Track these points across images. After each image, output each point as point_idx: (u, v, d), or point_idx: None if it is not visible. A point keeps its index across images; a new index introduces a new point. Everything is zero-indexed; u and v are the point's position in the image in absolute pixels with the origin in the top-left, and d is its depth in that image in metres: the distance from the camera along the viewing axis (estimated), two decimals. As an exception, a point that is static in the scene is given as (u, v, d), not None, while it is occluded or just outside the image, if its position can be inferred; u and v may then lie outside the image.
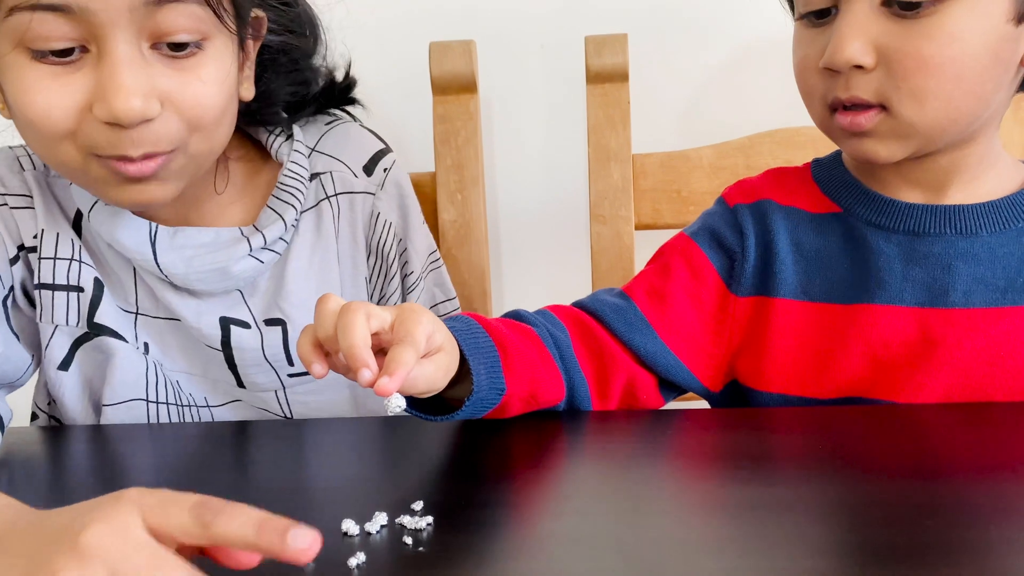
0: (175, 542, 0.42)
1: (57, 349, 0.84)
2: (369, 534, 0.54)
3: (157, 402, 0.84)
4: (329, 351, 0.60)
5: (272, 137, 0.87)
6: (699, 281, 0.81)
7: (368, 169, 0.90)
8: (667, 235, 0.87)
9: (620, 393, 0.79)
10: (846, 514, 0.55)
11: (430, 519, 0.55)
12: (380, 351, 0.59)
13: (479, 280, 1.09)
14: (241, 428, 0.78)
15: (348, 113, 0.95)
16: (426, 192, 1.08)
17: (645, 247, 1.01)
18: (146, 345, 0.85)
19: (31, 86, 0.68)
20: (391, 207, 0.90)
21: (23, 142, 0.76)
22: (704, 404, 0.86)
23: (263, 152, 0.89)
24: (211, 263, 0.81)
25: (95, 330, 0.83)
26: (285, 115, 0.88)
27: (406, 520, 0.55)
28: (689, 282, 0.81)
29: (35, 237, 0.82)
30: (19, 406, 0.83)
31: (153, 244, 0.80)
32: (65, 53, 0.68)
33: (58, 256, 0.82)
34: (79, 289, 0.82)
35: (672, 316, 0.80)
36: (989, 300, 0.74)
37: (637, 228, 1.09)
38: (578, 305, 0.82)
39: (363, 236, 0.89)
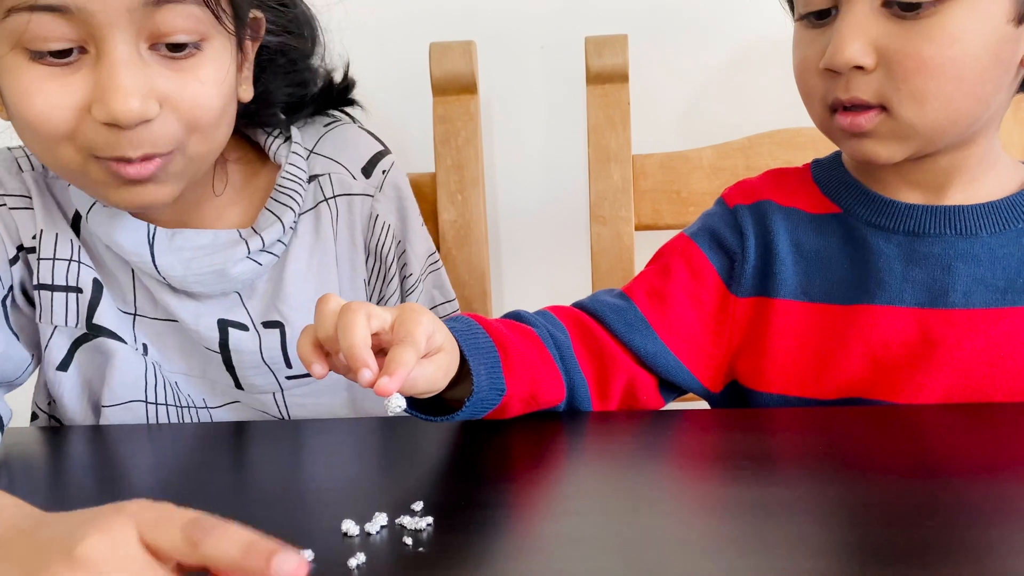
0: (172, 558, 0.42)
1: (56, 350, 0.84)
2: (369, 534, 0.54)
3: (156, 403, 0.84)
4: (329, 351, 0.60)
5: (270, 139, 0.87)
6: (699, 282, 0.81)
7: (366, 171, 0.90)
8: (667, 236, 0.88)
9: (620, 394, 0.79)
10: (846, 514, 0.55)
11: (430, 519, 0.55)
12: (380, 351, 0.59)
13: (479, 280, 1.09)
14: (242, 429, 0.78)
15: (347, 114, 0.95)
16: (426, 192, 1.09)
17: (645, 248, 1.01)
18: (145, 346, 0.85)
19: (29, 87, 0.68)
20: (389, 209, 0.90)
21: (21, 143, 0.76)
22: (704, 405, 0.86)
23: (261, 154, 0.89)
24: (209, 265, 0.81)
25: (94, 331, 0.83)
26: (283, 116, 0.88)
27: (406, 520, 0.55)
28: (689, 283, 0.81)
29: (34, 238, 0.82)
30: (19, 406, 0.84)
31: (151, 246, 0.80)
32: (63, 54, 0.68)
33: (57, 257, 0.82)
34: (78, 290, 0.82)
35: (672, 317, 0.80)
36: (989, 301, 0.74)
37: (637, 229, 1.10)
38: (578, 306, 0.82)
39: (361, 238, 0.89)
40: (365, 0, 1.18)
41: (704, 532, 0.54)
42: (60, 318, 0.82)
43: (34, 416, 0.91)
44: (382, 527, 0.55)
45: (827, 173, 0.82)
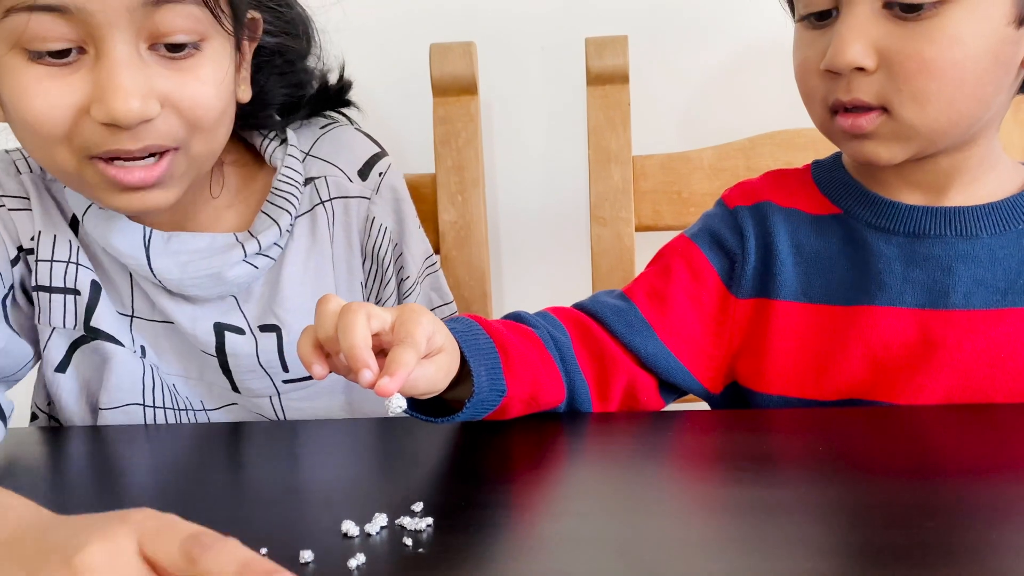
0: (169, 572, 0.42)
1: (55, 351, 0.84)
2: (369, 535, 0.54)
3: (154, 406, 0.84)
4: (329, 352, 0.60)
5: (266, 141, 0.87)
6: (699, 283, 0.81)
7: (363, 173, 0.90)
8: (667, 237, 0.87)
9: (620, 395, 0.79)
10: (846, 515, 0.54)
11: (430, 520, 0.55)
12: (381, 352, 0.59)
13: (479, 281, 1.09)
14: (241, 429, 0.78)
15: (344, 115, 0.95)
16: (426, 193, 1.08)
17: (645, 249, 1.01)
18: (143, 348, 0.85)
19: (28, 87, 0.68)
20: (386, 211, 0.90)
21: (19, 146, 0.76)
22: (704, 406, 0.86)
23: (257, 157, 0.89)
24: (205, 268, 0.81)
25: (92, 334, 0.83)
26: (278, 118, 0.88)
27: (406, 521, 0.55)
28: (689, 284, 0.81)
29: (32, 239, 0.82)
30: (19, 406, 0.83)
31: (147, 249, 0.80)
32: (62, 54, 0.68)
33: (55, 259, 0.82)
34: (75, 292, 0.82)
35: (672, 318, 0.80)
36: (989, 302, 0.74)
37: (637, 230, 1.09)
38: (578, 307, 0.82)
39: (358, 241, 0.89)
40: (365, 1, 1.18)
41: (704, 533, 0.54)
42: (58, 320, 0.82)
43: (34, 416, 0.91)
44: (382, 528, 0.55)
45: (827, 174, 0.82)
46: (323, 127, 0.92)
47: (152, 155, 0.72)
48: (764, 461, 0.63)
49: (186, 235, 0.82)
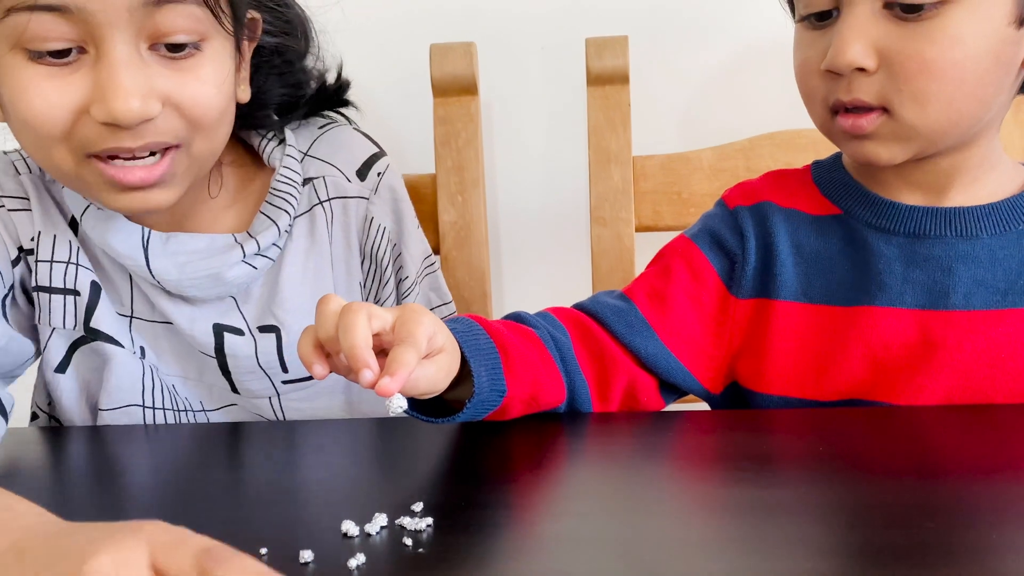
0: None
1: (54, 351, 0.84)
2: (369, 535, 0.54)
3: (154, 408, 0.84)
4: (330, 352, 0.60)
5: (264, 142, 0.87)
6: (699, 283, 0.81)
7: (361, 174, 0.89)
8: (667, 237, 0.87)
9: (621, 395, 0.79)
10: (846, 515, 0.54)
11: (430, 520, 0.55)
12: (381, 352, 0.59)
13: (479, 282, 1.09)
14: (242, 429, 0.78)
15: (343, 115, 0.95)
16: (426, 194, 1.08)
17: (645, 249, 1.01)
18: (142, 349, 0.85)
19: (28, 87, 0.68)
20: (385, 212, 0.90)
21: (17, 147, 0.76)
22: (704, 406, 0.86)
23: (255, 157, 0.88)
24: (204, 269, 0.81)
25: (91, 334, 0.83)
26: (276, 118, 0.88)
27: (406, 521, 0.55)
28: (689, 284, 0.81)
29: (32, 240, 0.82)
30: (19, 407, 0.83)
31: (146, 250, 0.80)
32: (62, 54, 0.68)
33: (55, 259, 0.82)
34: (75, 293, 0.82)
35: (673, 318, 0.80)
36: (989, 302, 0.74)
37: (637, 230, 1.09)
38: (579, 307, 0.82)
39: (357, 241, 0.89)
40: (365, 1, 1.18)
41: (704, 533, 0.54)
42: (58, 320, 0.82)
43: (34, 416, 0.91)
44: (382, 528, 0.55)
45: (827, 174, 0.82)
46: (321, 127, 0.92)
47: (152, 154, 0.72)
48: (764, 461, 0.63)
49: (185, 236, 0.82)
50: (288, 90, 0.87)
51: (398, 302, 0.91)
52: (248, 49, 0.80)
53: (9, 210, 0.82)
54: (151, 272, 0.80)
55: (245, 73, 0.80)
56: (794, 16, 0.77)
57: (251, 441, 0.75)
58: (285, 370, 0.85)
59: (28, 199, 0.82)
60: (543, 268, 1.27)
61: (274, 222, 0.83)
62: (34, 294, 0.83)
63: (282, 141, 0.87)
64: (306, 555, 0.51)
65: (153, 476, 0.69)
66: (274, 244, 0.83)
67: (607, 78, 1.07)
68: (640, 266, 0.91)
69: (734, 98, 1.21)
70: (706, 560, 0.50)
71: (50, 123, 0.69)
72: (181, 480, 0.67)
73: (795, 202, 0.81)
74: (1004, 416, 0.71)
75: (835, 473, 0.60)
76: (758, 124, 1.10)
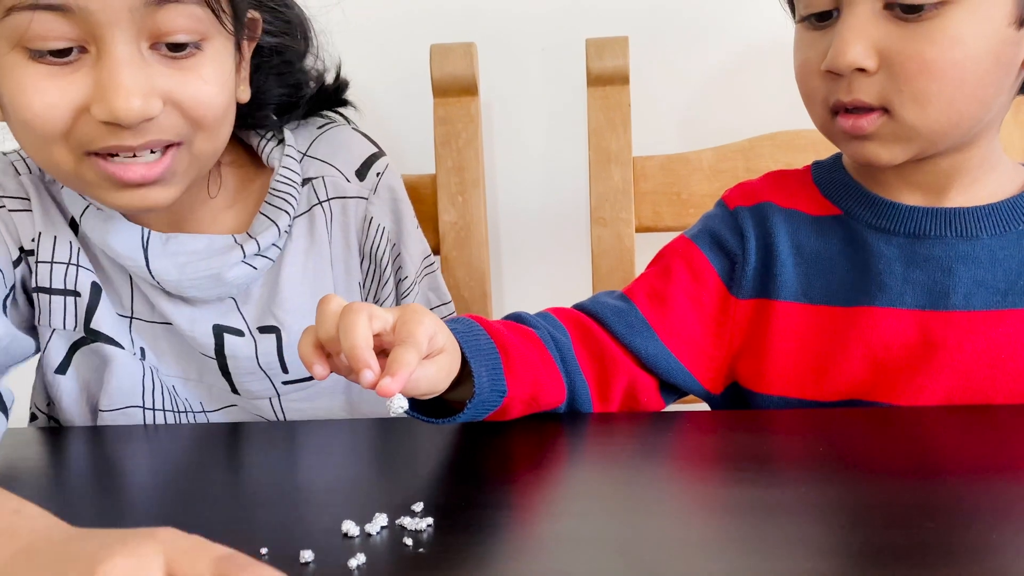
0: None
1: (54, 352, 0.83)
2: (369, 535, 0.54)
3: (154, 409, 0.84)
4: (331, 352, 0.60)
5: (263, 142, 0.87)
6: (700, 283, 0.81)
7: (360, 174, 0.89)
8: (667, 237, 0.87)
9: (621, 395, 0.79)
10: (846, 515, 0.54)
11: (430, 520, 0.55)
12: (382, 352, 0.59)
13: (479, 282, 1.09)
14: (242, 430, 0.78)
15: (342, 115, 0.95)
16: (427, 194, 1.09)
17: (645, 249, 1.01)
18: (142, 350, 0.85)
19: (28, 86, 0.68)
20: (384, 212, 0.90)
21: (17, 148, 0.76)
22: (704, 407, 0.86)
23: (255, 157, 0.88)
24: (204, 270, 0.81)
25: (91, 336, 0.83)
26: (275, 118, 0.88)
27: (406, 521, 0.55)
28: (690, 284, 0.81)
29: (33, 240, 0.82)
30: (18, 407, 0.83)
31: (145, 250, 0.80)
32: (63, 53, 0.67)
33: (55, 260, 0.82)
34: (76, 294, 0.82)
35: (673, 319, 0.80)
36: (989, 303, 0.74)
37: (637, 230, 1.10)
38: (579, 307, 0.82)
39: (356, 241, 0.89)
40: (365, 1, 1.18)
41: (704, 533, 0.54)
42: (58, 321, 0.82)
43: (33, 417, 0.91)
44: (382, 528, 0.55)
45: (827, 175, 0.82)
46: (320, 127, 0.92)
47: (154, 151, 0.71)
48: (764, 461, 0.63)
49: (184, 236, 0.81)
50: (287, 90, 0.87)
51: (397, 302, 0.91)
52: (248, 49, 0.80)
53: (10, 211, 0.82)
54: (151, 273, 0.80)
55: (245, 73, 0.80)
56: (794, 16, 0.77)
57: (251, 441, 0.75)
58: (285, 371, 0.85)
59: (28, 199, 0.82)
60: (543, 268, 1.27)
61: (274, 222, 0.83)
62: (34, 295, 0.83)
63: (281, 141, 0.87)
64: (306, 555, 0.51)
65: (153, 477, 0.69)
66: (274, 244, 0.83)
67: (607, 78, 1.08)
68: (640, 266, 0.91)
69: (734, 98, 1.21)
70: (706, 560, 0.50)
71: (50, 122, 0.69)
72: (181, 481, 0.67)
73: (795, 202, 0.81)
74: (1004, 416, 0.71)
75: (835, 473, 0.60)
76: (758, 124, 1.10)
